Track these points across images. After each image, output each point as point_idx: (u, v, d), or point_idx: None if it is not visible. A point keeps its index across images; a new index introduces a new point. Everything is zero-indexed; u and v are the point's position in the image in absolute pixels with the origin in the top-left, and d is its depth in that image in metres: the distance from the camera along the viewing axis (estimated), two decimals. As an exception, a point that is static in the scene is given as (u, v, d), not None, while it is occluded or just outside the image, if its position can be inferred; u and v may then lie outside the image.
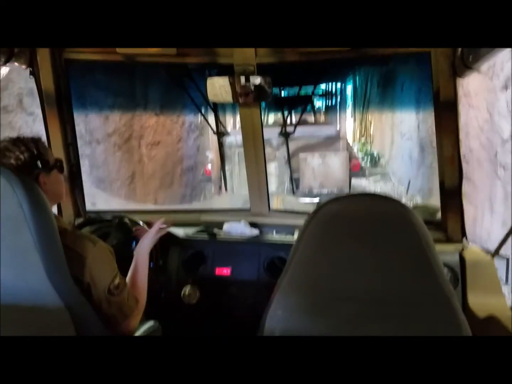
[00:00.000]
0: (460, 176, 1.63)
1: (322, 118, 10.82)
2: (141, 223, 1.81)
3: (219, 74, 1.80)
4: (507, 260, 2.01)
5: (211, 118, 3.21)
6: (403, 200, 1.67)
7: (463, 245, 1.73)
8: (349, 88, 13.79)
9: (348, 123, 12.82)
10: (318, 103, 12.63)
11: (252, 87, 1.72)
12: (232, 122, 8.55)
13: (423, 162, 6.42)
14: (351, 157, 6.17)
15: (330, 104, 9.64)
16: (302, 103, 9.56)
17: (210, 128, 3.04)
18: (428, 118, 5.98)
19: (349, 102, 14.95)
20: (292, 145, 5.96)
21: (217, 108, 2.22)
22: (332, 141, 6.28)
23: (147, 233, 1.58)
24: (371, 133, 13.06)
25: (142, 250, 1.50)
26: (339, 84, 8.41)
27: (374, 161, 11.18)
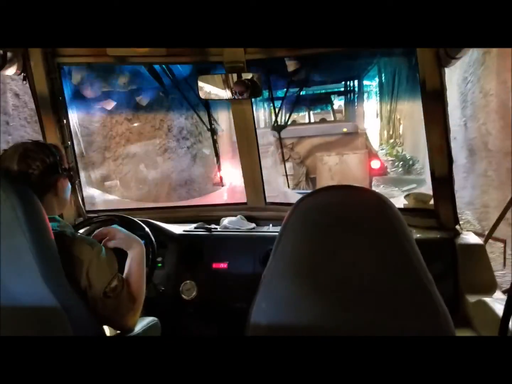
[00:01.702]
0: (450, 164, 1.66)
1: (340, 115, 10.00)
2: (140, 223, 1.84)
3: (211, 72, 1.83)
4: (505, 244, 2.03)
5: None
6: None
7: (456, 231, 1.76)
8: (371, 82, 12.44)
9: (368, 119, 11.24)
10: (336, 98, 11.57)
11: (242, 84, 1.74)
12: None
13: (473, 169, 5.17)
14: (371, 155, 5.52)
15: (348, 100, 8.89)
16: (321, 101, 9.02)
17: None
18: (478, 113, 4.87)
19: (373, 97, 13.29)
20: (307, 144, 5.65)
21: (209, 105, 2.26)
22: (350, 139, 5.69)
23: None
24: (400, 133, 11.29)
25: (143, 249, 1.45)
26: (358, 78, 7.54)
27: (408, 166, 9.44)
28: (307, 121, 9.50)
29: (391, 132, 11.81)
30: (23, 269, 1.06)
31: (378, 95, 11.93)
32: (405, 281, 0.80)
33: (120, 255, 1.58)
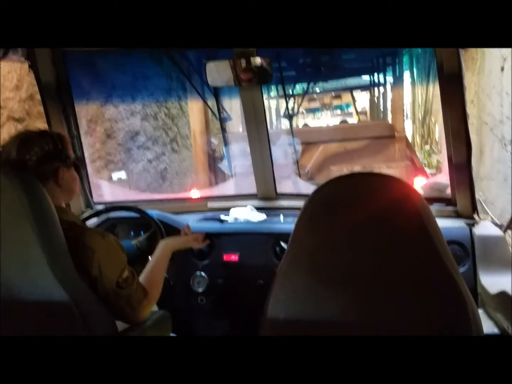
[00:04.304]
0: (469, 150, 1.60)
1: (364, 116, 8.43)
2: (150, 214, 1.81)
3: (218, 57, 1.78)
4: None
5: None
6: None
7: (474, 220, 1.71)
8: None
9: (406, 120, 8.64)
10: (362, 94, 9.74)
11: (252, 70, 1.69)
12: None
13: None
14: (415, 169, 3.98)
15: (376, 94, 7.06)
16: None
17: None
18: None
19: (405, 92, 10.51)
20: (319, 153, 4.18)
21: (218, 93, 2.20)
22: (383, 145, 4.13)
23: (184, 237, 1.64)
24: (437, 139, 9.06)
25: (168, 246, 1.52)
26: (393, 64, 5.96)
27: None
28: (324, 124, 8.14)
29: (425, 136, 9.43)
30: (30, 261, 1.03)
31: (410, 91, 9.44)
32: (432, 274, 0.75)
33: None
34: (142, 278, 1.37)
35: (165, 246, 1.52)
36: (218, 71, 1.77)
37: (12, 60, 1.79)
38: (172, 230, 1.85)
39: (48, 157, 1.18)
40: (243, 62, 1.72)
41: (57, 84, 1.88)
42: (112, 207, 1.93)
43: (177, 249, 1.57)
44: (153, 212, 1.83)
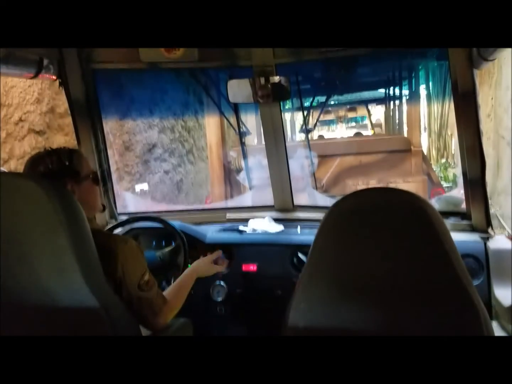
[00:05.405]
0: (483, 166, 1.64)
1: (379, 129, 8.39)
2: (175, 225, 1.87)
3: (240, 76, 1.86)
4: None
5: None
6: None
7: (489, 234, 1.73)
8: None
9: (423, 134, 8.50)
10: (377, 107, 9.70)
11: (271, 88, 1.76)
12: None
13: None
14: (432, 184, 3.97)
15: (392, 108, 7.04)
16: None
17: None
18: None
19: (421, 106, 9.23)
20: (333, 166, 4.15)
21: (238, 109, 2.29)
22: (399, 159, 4.07)
23: (217, 267, 1.72)
24: (453, 152, 8.95)
25: (198, 271, 1.60)
26: (410, 77, 5.59)
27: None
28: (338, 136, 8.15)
29: (442, 150, 9.27)
30: (64, 270, 1.08)
31: (426, 105, 9.08)
32: (446, 284, 0.79)
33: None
34: (167, 290, 1.44)
35: (195, 270, 1.60)
36: (239, 89, 1.84)
37: (44, 78, 1.88)
38: (193, 241, 1.91)
39: (51, 174, 1.24)
40: (262, 80, 1.80)
41: (87, 100, 1.97)
42: (137, 217, 2.00)
43: (205, 276, 1.65)
44: (176, 223, 1.89)
